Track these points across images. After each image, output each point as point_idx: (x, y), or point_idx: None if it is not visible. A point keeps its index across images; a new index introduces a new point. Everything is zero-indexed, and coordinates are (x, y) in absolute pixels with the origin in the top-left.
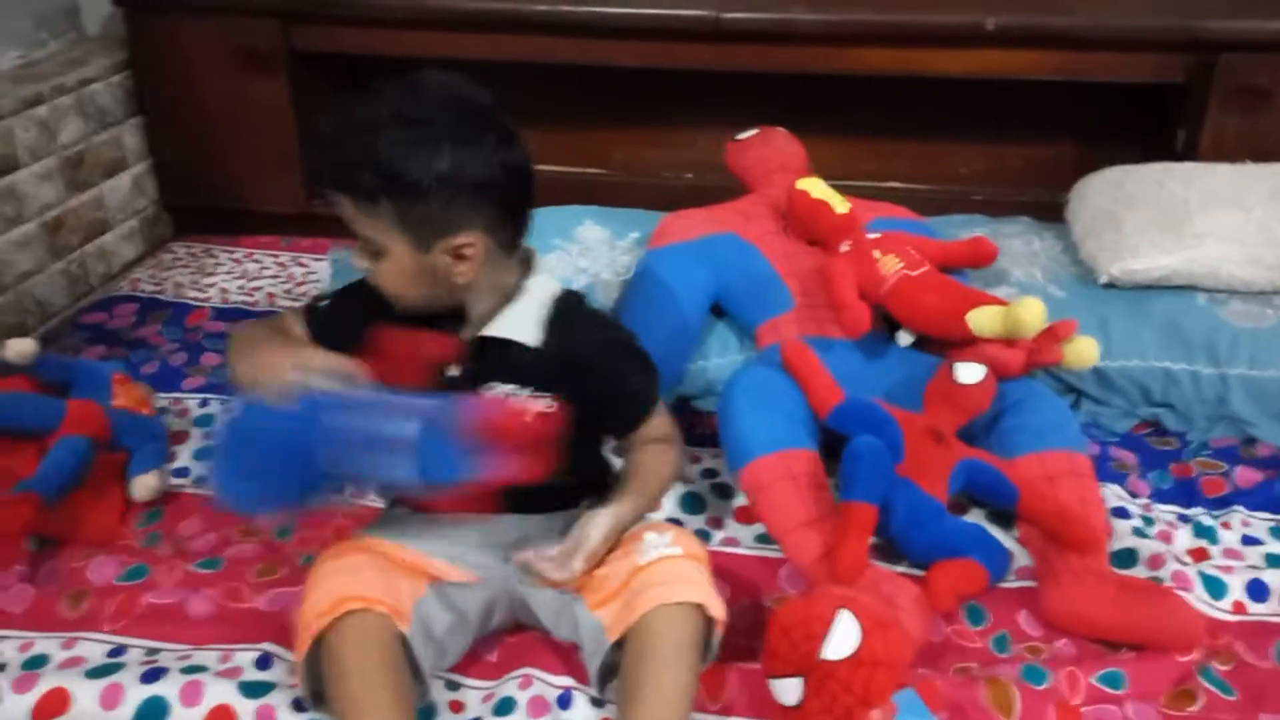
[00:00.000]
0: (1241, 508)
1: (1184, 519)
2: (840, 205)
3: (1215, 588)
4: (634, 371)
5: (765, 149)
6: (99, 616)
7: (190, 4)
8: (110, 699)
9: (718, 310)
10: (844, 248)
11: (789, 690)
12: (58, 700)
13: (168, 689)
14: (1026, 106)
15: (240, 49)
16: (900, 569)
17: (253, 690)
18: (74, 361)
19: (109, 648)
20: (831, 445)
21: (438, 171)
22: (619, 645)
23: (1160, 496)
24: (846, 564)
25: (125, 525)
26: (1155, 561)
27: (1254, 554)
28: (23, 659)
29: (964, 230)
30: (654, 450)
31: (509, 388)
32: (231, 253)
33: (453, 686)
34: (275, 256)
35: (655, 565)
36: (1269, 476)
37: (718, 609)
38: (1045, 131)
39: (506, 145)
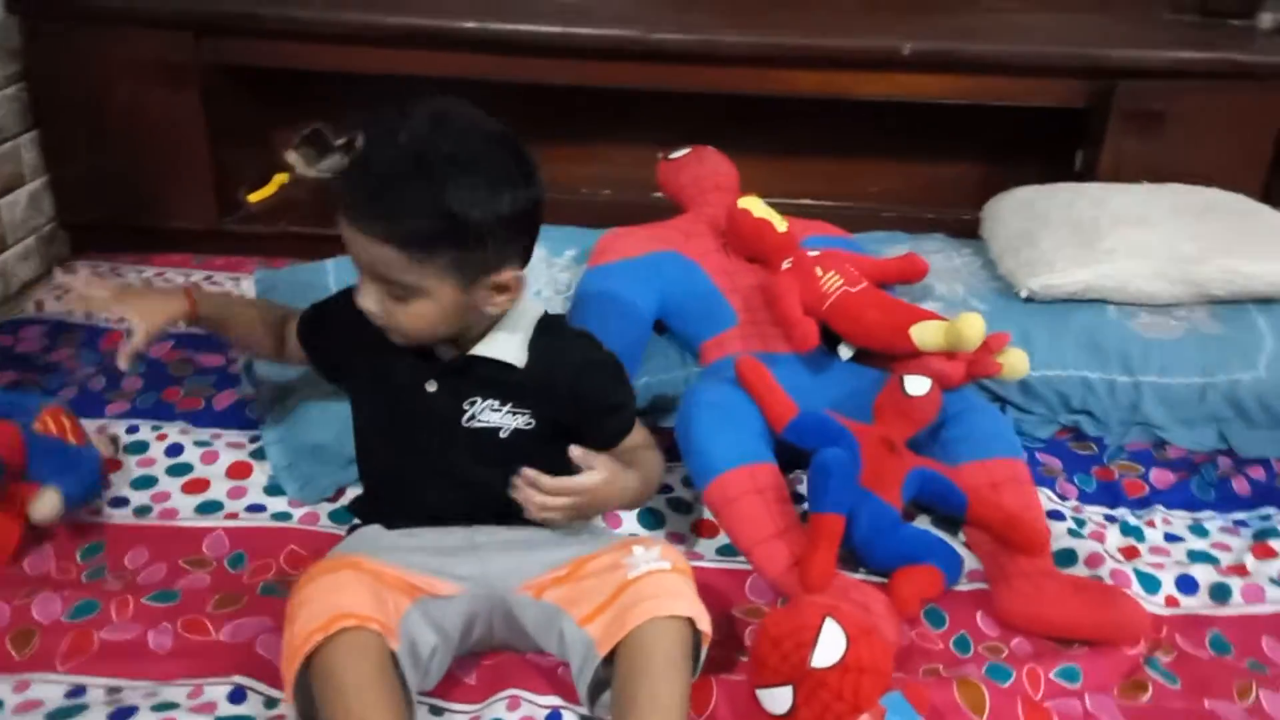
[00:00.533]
0: (1161, 507)
1: (1110, 519)
2: (780, 224)
3: (1149, 583)
4: (615, 388)
5: (700, 168)
6: (50, 656)
7: (97, 15)
8: None
9: (659, 326)
10: (785, 265)
11: (779, 699)
12: None
13: None
14: (933, 128)
15: (151, 62)
16: (858, 576)
17: None
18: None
19: (66, 688)
20: (784, 458)
21: (498, 214)
22: (608, 660)
23: (1086, 498)
24: (817, 573)
25: (66, 560)
26: (1094, 560)
27: (1178, 550)
28: None
29: (886, 246)
30: (640, 455)
31: (490, 403)
32: (141, 271)
33: (436, 711)
34: (188, 275)
35: (645, 579)
36: (1181, 477)
37: (706, 623)
38: (950, 152)
39: (535, 175)
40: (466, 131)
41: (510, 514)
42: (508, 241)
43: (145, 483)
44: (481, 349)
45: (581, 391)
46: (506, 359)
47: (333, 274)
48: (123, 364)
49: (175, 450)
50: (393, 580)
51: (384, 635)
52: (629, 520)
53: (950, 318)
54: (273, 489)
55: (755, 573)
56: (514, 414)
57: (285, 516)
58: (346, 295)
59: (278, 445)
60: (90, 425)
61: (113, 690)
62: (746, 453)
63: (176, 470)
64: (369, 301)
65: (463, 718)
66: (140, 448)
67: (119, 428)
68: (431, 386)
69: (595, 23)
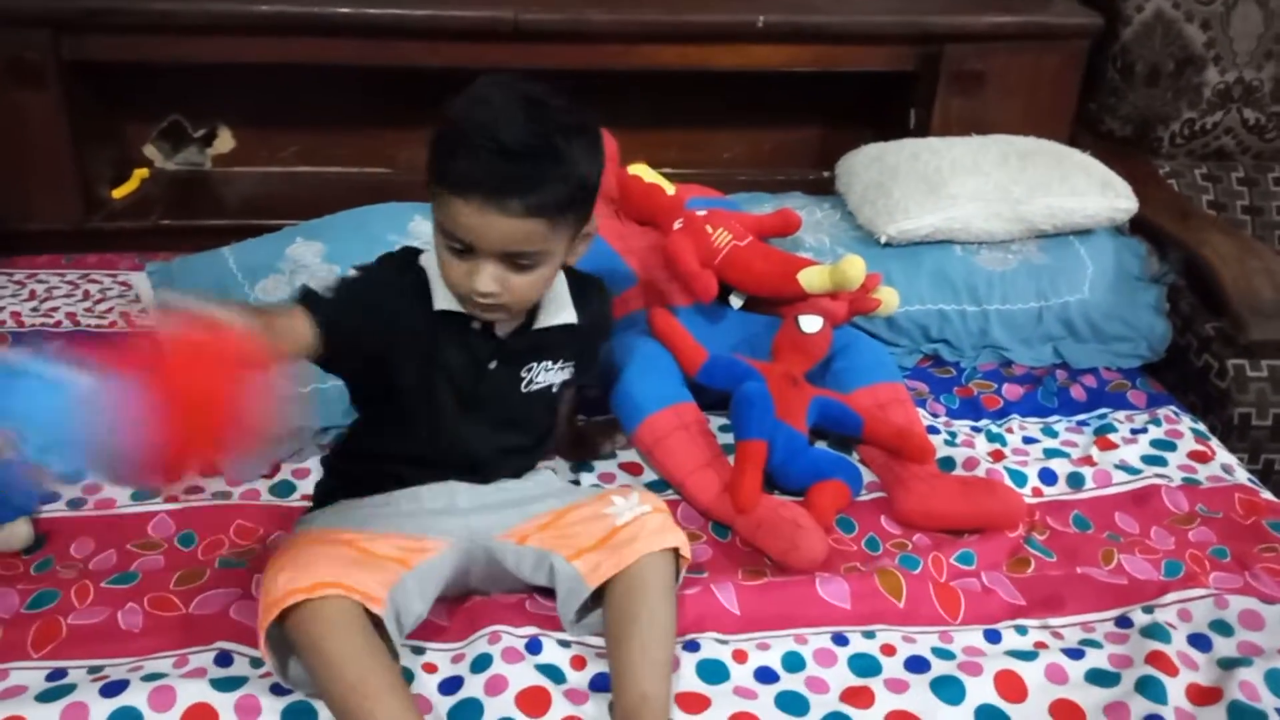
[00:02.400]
0: (1016, 415)
1: (976, 429)
2: (669, 187)
3: (1018, 478)
4: (612, 312)
5: None
6: (21, 645)
7: None
8: (73, 719)
9: None
10: (677, 225)
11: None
12: None
13: (135, 698)
14: (776, 96)
15: (5, 61)
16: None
17: (226, 685)
18: None
19: (46, 673)
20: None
21: (600, 169)
22: (596, 595)
23: (953, 414)
24: (746, 495)
25: (9, 557)
26: (969, 464)
27: (1035, 450)
28: None
29: (753, 206)
30: None
31: (550, 363)
32: (10, 274)
33: (419, 651)
34: (61, 275)
35: (633, 523)
36: (1028, 389)
37: (688, 550)
38: (793, 116)
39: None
40: (563, 103)
41: (524, 462)
42: (599, 189)
43: (72, 476)
44: (544, 320)
45: (609, 325)
46: (568, 321)
47: (232, 259)
48: None
49: None
50: (386, 548)
51: (366, 602)
52: (563, 467)
53: (825, 264)
54: None
55: (686, 502)
56: (563, 368)
57: (225, 495)
58: (377, 284)
59: None
60: None
61: (94, 670)
62: (668, 395)
63: None
64: (491, 283)
65: (445, 655)
66: None
67: None
68: (493, 364)
69: (465, 5)
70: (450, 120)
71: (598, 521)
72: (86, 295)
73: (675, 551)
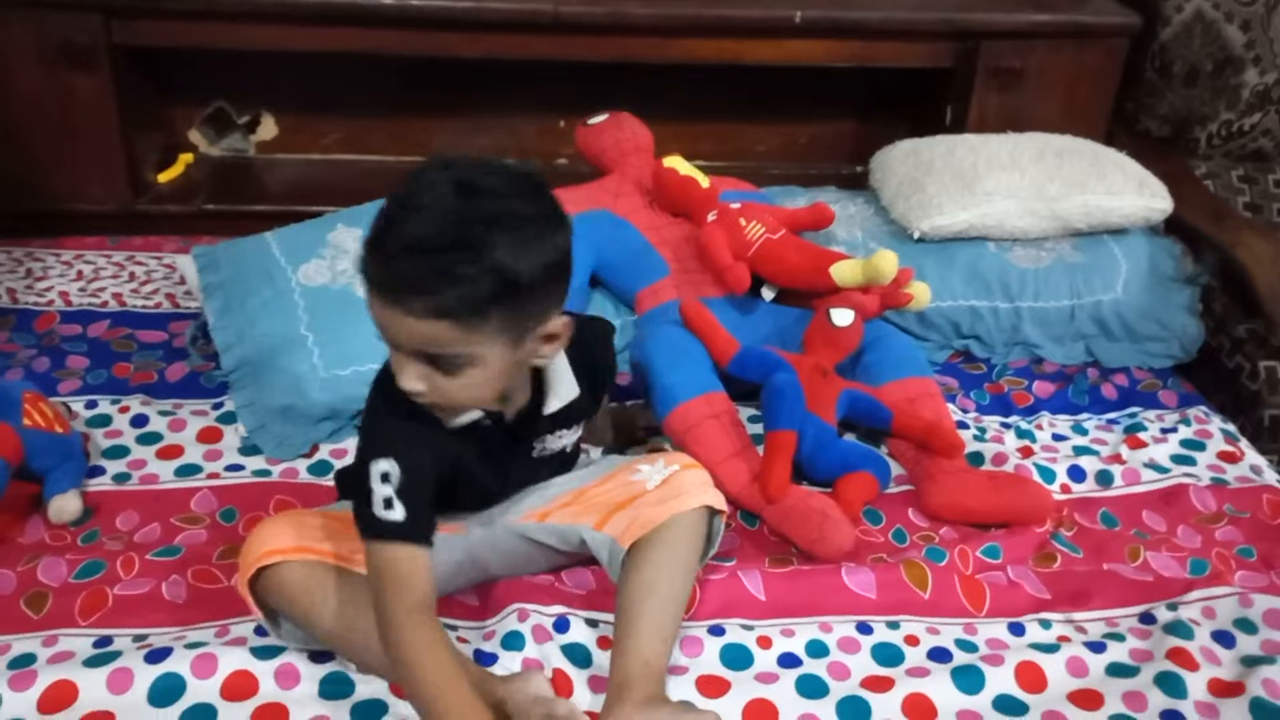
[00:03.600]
0: (1046, 412)
1: (1005, 425)
2: (703, 180)
3: (1046, 475)
4: (614, 351)
5: (619, 131)
6: (69, 614)
7: None
8: (119, 684)
9: (592, 281)
10: (711, 217)
11: None
12: (63, 692)
13: (178, 665)
14: (810, 90)
15: (57, 44)
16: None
17: (266, 653)
18: None
19: (93, 639)
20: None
21: (544, 264)
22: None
23: (983, 410)
24: (776, 484)
25: (57, 528)
26: (998, 459)
27: (1064, 447)
28: (6, 660)
29: (786, 200)
30: None
31: (562, 431)
32: (58, 255)
33: (450, 628)
34: (108, 257)
35: (664, 485)
36: (1059, 387)
37: (722, 503)
38: (828, 111)
39: (563, 212)
40: (496, 188)
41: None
42: (552, 288)
43: (118, 452)
44: (551, 405)
45: (612, 361)
46: (572, 398)
47: (275, 244)
48: None
49: (141, 420)
50: None
51: (342, 563)
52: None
53: (857, 258)
54: (247, 449)
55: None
56: (575, 429)
57: (265, 473)
58: (402, 437)
59: (248, 409)
60: None
61: (139, 638)
62: (701, 383)
63: (146, 439)
64: (413, 381)
65: (475, 633)
66: (104, 421)
67: (78, 404)
68: (504, 447)
69: None
70: (379, 211)
71: (624, 488)
72: (132, 277)
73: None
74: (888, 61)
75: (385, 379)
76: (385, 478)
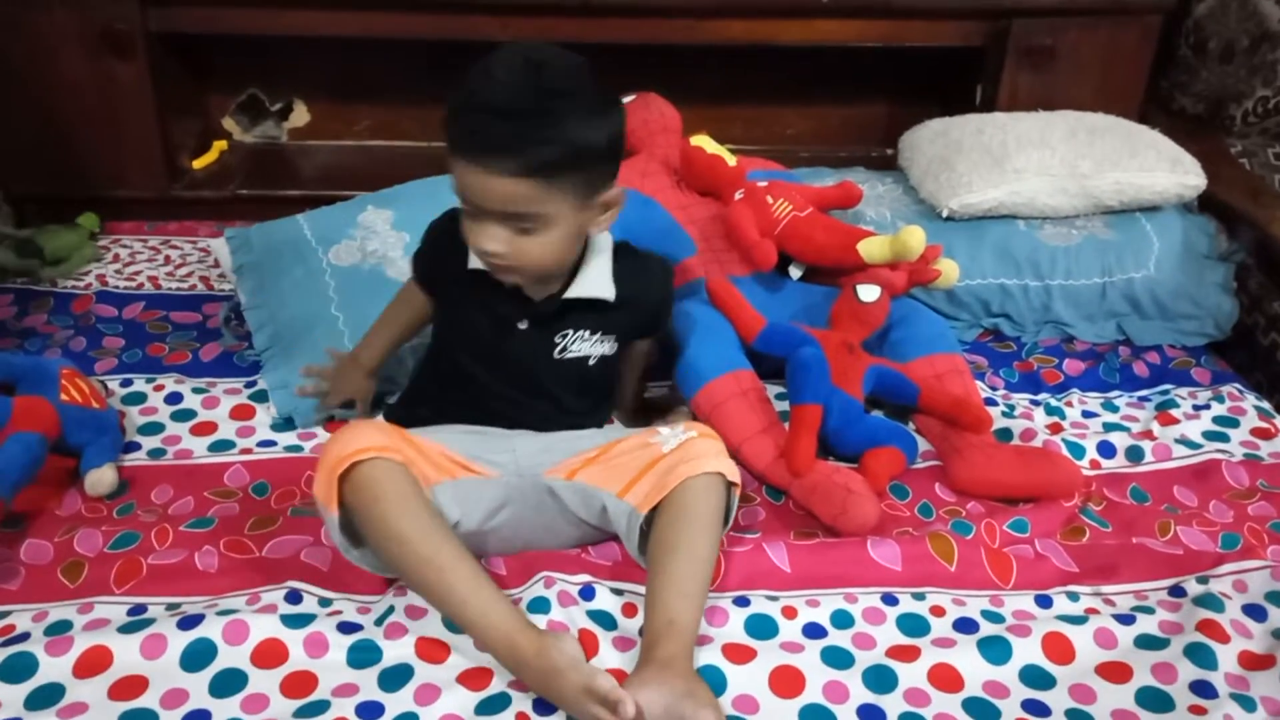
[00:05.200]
0: (1076, 390)
1: (1035, 403)
2: (730, 159)
3: (1076, 450)
4: (671, 294)
5: (647, 112)
6: (104, 582)
7: None
8: (152, 649)
9: None
10: (738, 196)
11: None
12: (98, 657)
13: (210, 630)
14: (841, 72)
15: (98, 31)
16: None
17: (296, 622)
18: (18, 358)
19: (127, 607)
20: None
21: (607, 135)
22: (648, 520)
23: (1012, 388)
24: (801, 458)
25: (94, 500)
26: (1027, 435)
27: (1094, 424)
28: (43, 626)
29: (813, 180)
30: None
31: (582, 334)
32: (95, 240)
33: None
34: (144, 241)
35: (677, 450)
36: (1090, 365)
37: (735, 474)
38: (859, 93)
39: (618, 99)
40: (564, 67)
41: (576, 425)
42: (612, 160)
43: (153, 429)
44: (576, 290)
45: (662, 308)
46: (600, 295)
47: (307, 226)
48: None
49: (175, 398)
50: (434, 455)
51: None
52: None
53: (885, 235)
54: (278, 426)
55: (742, 467)
56: (602, 340)
57: (297, 449)
58: (443, 230)
59: (283, 390)
60: None
61: (172, 606)
62: (728, 361)
63: (181, 416)
64: (494, 243)
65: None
66: (139, 398)
67: (114, 382)
68: (523, 325)
69: None
70: (461, 87)
71: (644, 450)
72: (168, 260)
73: (725, 480)
74: (918, 41)
75: (453, 216)
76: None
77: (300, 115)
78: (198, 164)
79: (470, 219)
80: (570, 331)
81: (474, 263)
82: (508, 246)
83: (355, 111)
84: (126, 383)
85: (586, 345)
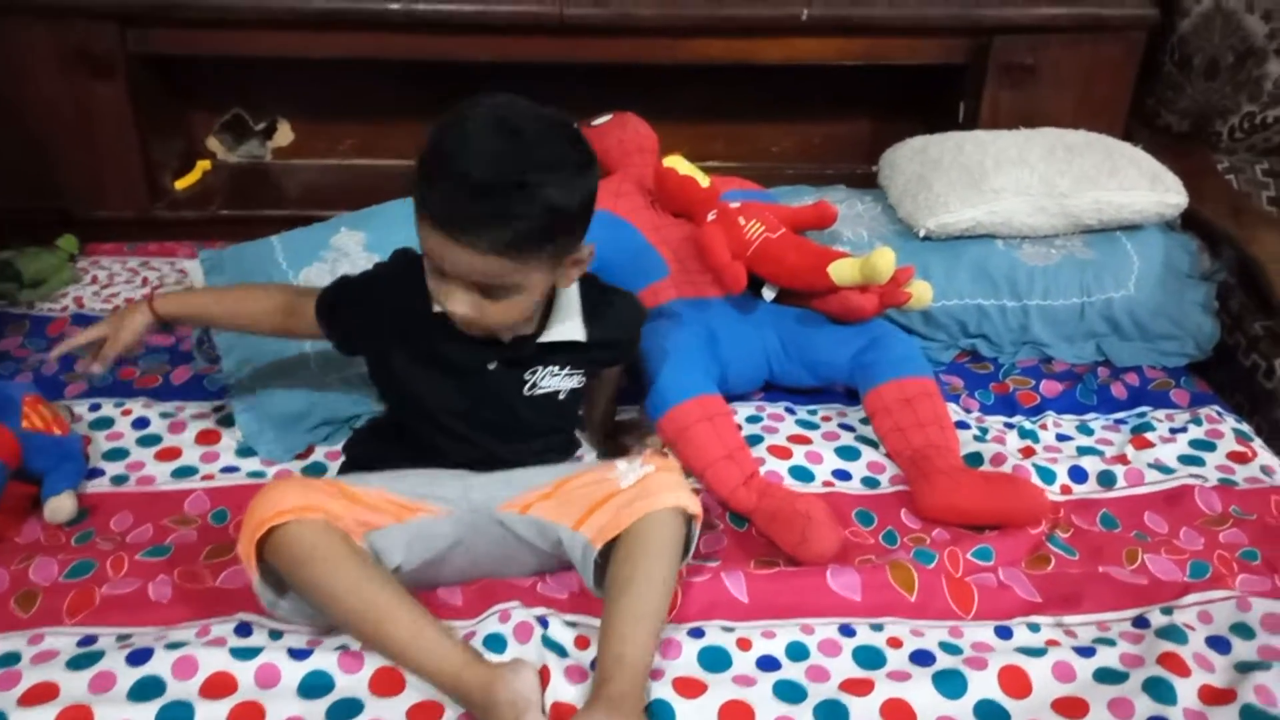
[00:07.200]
0: (1052, 412)
1: (1009, 425)
2: (704, 180)
3: (1046, 475)
4: (639, 332)
5: (623, 132)
6: (56, 612)
7: (15, 6)
8: (101, 685)
9: None
10: (711, 217)
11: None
12: (44, 693)
13: (158, 667)
14: (825, 90)
15: (74, 52)
16: (797, 486)
17: (245, 654)
18: None
19: (77, 638)
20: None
21: (583, 199)
22: (604, 553)
23: (987, 410)
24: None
25: (53, 529)
26: (997, 460)
27: (1068, 447)
28: None
29: (793, 199)
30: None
31: (551, 369)
32: (75, 262)
33: None
34: (123, 262)
35: (637, 484)
36: (1067, 386)
37: (696, 506)
38: (843, 110)
39: (592, 151)
40: (540, 132)
41: (543, 460)
42: (584, 220)
43: (117, 454)
44: (549, 336)
45: (630, 344)
46: (573, 338)
47: (279, 249)
48: (97, 368)
49: (142, 423)
50: (375, 500)
51: (350, 533)
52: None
53: (856, 256)
54: (243, 451)
55: (706, 493)
56: (571, 375)
57: (260, 475)
58: (378, 281)
59: (249, 414)
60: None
61: (123, 637)
62: (695, 385)
63: (146, 441)
64: (463, 307)
65: (458, 633)
66: (106, 423)
67: (81, 407)
68: (492, 365)
69: (512, 0)
70: (429, 145)
71: (600, 485)
72: (145, 282)
73: (685, 514)
74: (899, 58)
75: (404, 258)
76: (345, 276)
77: (284, 134)
78: (180, 184)
79: (437, 278)
80: (539, 368)
81: (439, 307)
82: (477, 311)
83: (339, 130)
84: (95, 407)
85: (556, 380)
